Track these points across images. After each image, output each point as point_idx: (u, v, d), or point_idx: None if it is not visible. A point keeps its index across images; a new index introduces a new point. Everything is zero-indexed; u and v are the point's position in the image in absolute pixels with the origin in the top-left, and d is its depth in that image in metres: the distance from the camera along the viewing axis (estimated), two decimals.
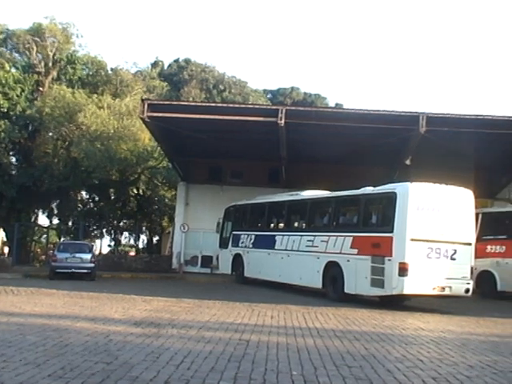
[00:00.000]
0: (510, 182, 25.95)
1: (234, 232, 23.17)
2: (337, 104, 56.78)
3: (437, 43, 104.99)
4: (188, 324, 10.45)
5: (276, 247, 19.99)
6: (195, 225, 27.43)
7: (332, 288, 16.89)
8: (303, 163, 24.91)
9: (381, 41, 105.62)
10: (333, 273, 16.82)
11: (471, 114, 20.28)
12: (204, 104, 28.37)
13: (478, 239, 17.98)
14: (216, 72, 54.10)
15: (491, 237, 20.07)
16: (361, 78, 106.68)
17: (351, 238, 16.39)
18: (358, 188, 17.18)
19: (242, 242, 22.38)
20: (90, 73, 39.42)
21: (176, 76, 52.19)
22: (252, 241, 21.77)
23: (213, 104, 28.90)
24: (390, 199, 15.31)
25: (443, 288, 15.00)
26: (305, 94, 60.43)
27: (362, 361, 7.61)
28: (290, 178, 25.32)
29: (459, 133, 19.63)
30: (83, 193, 39.48)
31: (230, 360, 7.26)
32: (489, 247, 20.01)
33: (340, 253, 16.63)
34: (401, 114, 20.48)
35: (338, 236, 16.92)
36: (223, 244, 23.95)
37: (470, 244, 15.54)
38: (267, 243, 20.54)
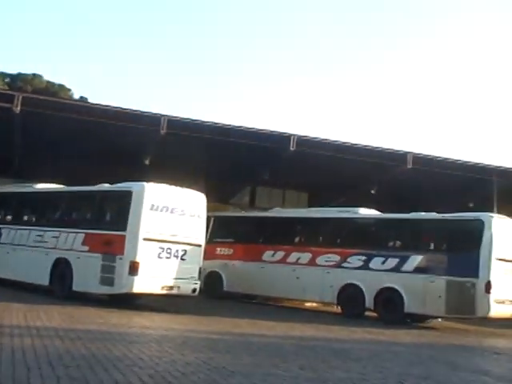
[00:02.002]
0: (242, 188, 27.61)
1: None
2: (81, 97, 55.26)
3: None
4: None
5: (1, 241, 18.67)
6: None
7: (60, 285, 16.22)
8: (40, 155, 23.61)
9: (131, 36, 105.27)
10: (62, 270, 16.17)
11: (209, 120, 20.99)
12: None
13: (209, 241, 18.83)
14: None
15: (221, 239, 21.14)
16: (108, 74, 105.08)
17: (83, 234, 15.97)
18: (96, 184, 16.85)
19: None
20: None
21: None
22: None
23: None
24: (125, 198, 15.23)
25: (171, 287, 15.32)
26: (48, 82, 57.82)
27: (81, 360, 7.40)
28: (25, 169, 23.84)
29: (197, 138, 20.29)
30: None
31: None
32: (218, 249, 21.02)
33: (70, 249, 16.09)
34: (143, 114, 20.56)
35: (69, 232, 16.36)
36: None
37: (199, 245, 16.13)
38: None
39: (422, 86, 67.07)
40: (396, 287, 17.18)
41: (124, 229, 14.93)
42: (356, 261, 18.23)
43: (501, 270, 16.32)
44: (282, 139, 20.84)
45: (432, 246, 17.87)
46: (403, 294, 17.01)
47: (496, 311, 16.12)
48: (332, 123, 64.91)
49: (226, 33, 64.01)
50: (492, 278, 15.98)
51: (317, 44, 66.46)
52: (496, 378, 9.50)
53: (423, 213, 18.10)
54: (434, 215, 17.78)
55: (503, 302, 16.35)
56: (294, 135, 20.69)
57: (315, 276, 18.78)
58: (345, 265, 18.41)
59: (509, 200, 22.51)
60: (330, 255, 18.80)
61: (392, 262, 17.52)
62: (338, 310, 18.94)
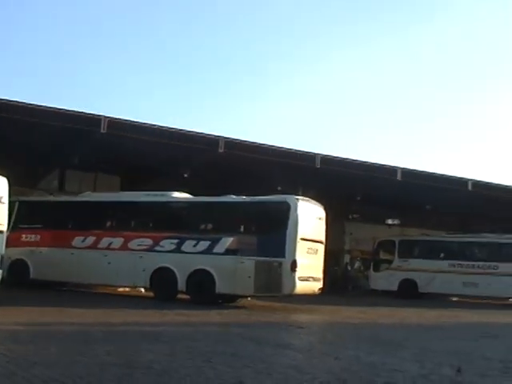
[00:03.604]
0: (50, 172, 26.38)
1: None
2: None
3: None
4: None
5: None
6: None
7: None
8: None
9: None
10: None
11: (8, 98, 19.58)
12: None
13: (14, 228, 17.84)
14: None
15: (27, 225, 20.11)
16: None
17: None
18: None
19: None
20: None
21: None
22: None
23: None
24: None
25: None
26: None
27: None
28: None
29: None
30: None
31: None
32: (24, 236, 19.99)
33: None
34: None
35: None
36: None
37: (1, 232, 15.16)
38: None
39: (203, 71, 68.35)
40: (208, 269, 17.54)
41: None
42: (168, 244, 18.33)
43: (304, 250, 17.32)
44: (92, 121, 20.17)
45: (242, 229, 18.39)
46: (214, 276, 17.42)
47: (300, 288, 17.09)
48: (151, 106, 64.29)
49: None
50: (297, 257, 16.89)
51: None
52: (297, 350, 10.08)
53: (233, 196, 18.60)
54: (243, 198, 18.35)
55: (307, 280, 17.38)
56: (104, 117, 20.15)
57: (127, 260, 18.58)
58: (157, 248, 18.44)
59: (313, 183, 23.87)
60: (142, 239, 18.71)
61: (204, 245, 17.86)
62: (151, 293, 18.91)
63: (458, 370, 7.99)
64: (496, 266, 26.64)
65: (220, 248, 17.67)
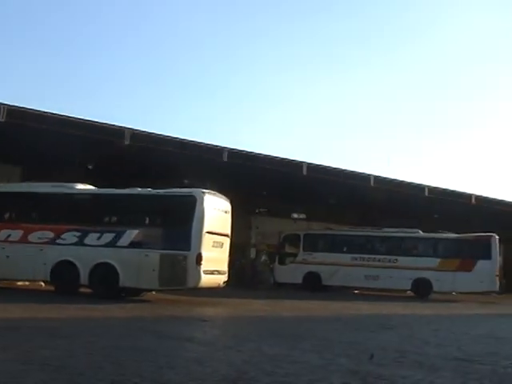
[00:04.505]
0: None
1: None
2: None
3: None
4: None
5: None
6: None
7: None
8: None
9: None
10: None
11: None
12: None
13: None
14: None
15: None
16: None
17: None
18: None
19: None
20: None
21: None
22: None
23: None
24: None
25: None
26: None
27: None
28: None
29: None
30: None
31: None
32: None
33: None
34: None
35: None
36: None
37: None
38: None
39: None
40: (111, 262, 17.23)
41: None
42: (71, 237, 17.86)
43: (210, 243, 17.30)
44: None
45: (147, 221, 18.19)
46: (118, 269, 17.14)
47: (205, 281, 17.06)
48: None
49: None
50: (202, 251, 16.84)
51: None
52: (199, 343, 10.06)
53: (139, 188, 18.32)
54: (149, 191, 18.12)
55: (212, 273, 17.38)
56: (4, 105, 19.26)
57: (27, 254, 17.94)
58: (59, 241, 17.94)
59: (220, 177, 23.87)
60: (43, 232, 18.14)
61: (107, 238, 17.54)
62: (52, 287, 18.36)
63: (371, 357, 8.31)
64: (396, 260, 27.67)
65: (124, 241, 17.38)
